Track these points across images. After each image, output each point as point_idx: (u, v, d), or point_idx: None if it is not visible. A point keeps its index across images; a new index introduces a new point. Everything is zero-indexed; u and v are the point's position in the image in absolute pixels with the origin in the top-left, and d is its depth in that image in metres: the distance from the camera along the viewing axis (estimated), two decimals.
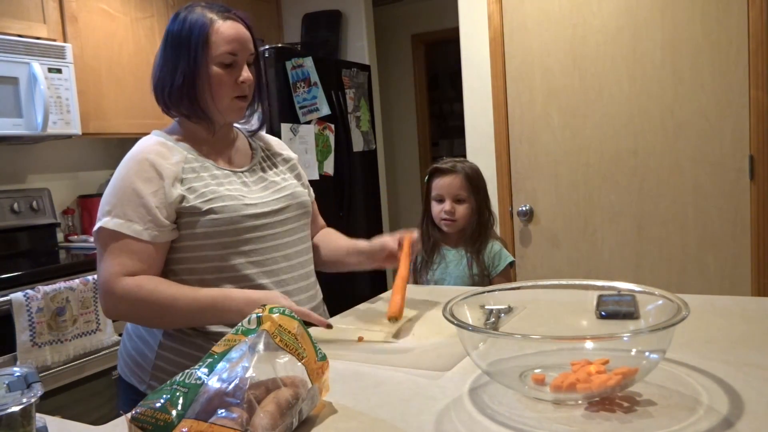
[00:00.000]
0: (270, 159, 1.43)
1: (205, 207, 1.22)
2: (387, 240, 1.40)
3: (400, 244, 1.39)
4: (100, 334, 2.34)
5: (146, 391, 1.25)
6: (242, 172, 1.33)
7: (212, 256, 1.24)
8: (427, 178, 1.91)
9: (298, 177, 1.45)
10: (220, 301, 1.19)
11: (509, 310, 1.16)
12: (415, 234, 1.44)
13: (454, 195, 1.83)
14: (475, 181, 1.85)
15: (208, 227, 1.22)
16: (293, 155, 1.49)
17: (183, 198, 1.22)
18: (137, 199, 1.20)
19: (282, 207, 1.33)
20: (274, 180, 1.37)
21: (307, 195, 1.44)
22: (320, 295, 1.43)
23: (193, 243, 1.23)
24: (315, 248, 1.49)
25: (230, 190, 1.27)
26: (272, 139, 1.50)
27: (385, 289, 1.82)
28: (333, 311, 1.47)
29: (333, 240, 1.53)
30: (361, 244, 1.44)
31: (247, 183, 1.32)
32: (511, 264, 1.87)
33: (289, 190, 1.36)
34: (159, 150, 1.24)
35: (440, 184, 1.85)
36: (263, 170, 1.38)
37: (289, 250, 1.33)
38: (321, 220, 1.59)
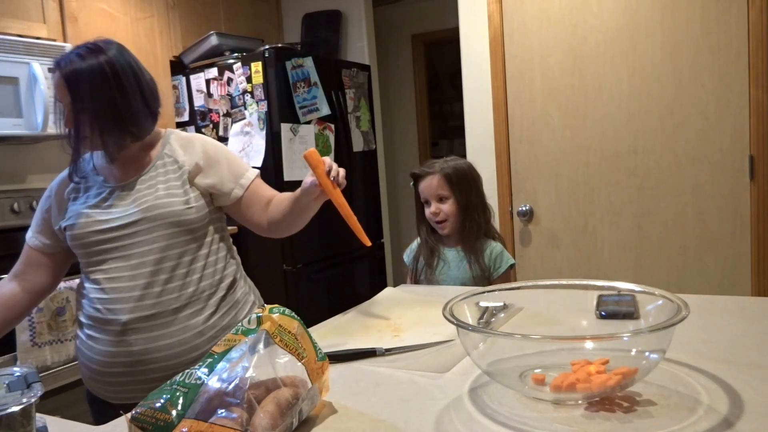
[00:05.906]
0: (165, 167, 1.39)
1: (64, 224, 1.37)
2: (306, 180, 1.34)
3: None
4: None
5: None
6: (122, 186, 1.37)
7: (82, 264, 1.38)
8: (412, 184, 1.91)
9: (183, 184, 1.37)
10: None
11: (504, 308, 1.16)
12: (327, 159, 1.33)
13: (436, 195, 1.83)
14: (454, 177, 1.82)
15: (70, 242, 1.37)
16: (188, 161, 1.40)
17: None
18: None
19: (133, 221, 1.32)
20: (137, 193, 1.35)
21: (181, 204, 1.35)
22: (216, 309, 1.38)
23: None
24: (272, 217, 1.44)
25: (90, 207, 1.36)
26: (184, 145, 1.43)
27: (384, 287, 1.82)
28: (333, 311, 1.47)
29: (277, 199, 1.48)
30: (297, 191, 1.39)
31: (121, 196, 1.35)
32: (512, 266, 1.86)
33: (147, 203, 1.33)
34: None
35: (422, 187, 1.86)
36: (142, 183, 1.37)
37: (135, 260, 1.32)
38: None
